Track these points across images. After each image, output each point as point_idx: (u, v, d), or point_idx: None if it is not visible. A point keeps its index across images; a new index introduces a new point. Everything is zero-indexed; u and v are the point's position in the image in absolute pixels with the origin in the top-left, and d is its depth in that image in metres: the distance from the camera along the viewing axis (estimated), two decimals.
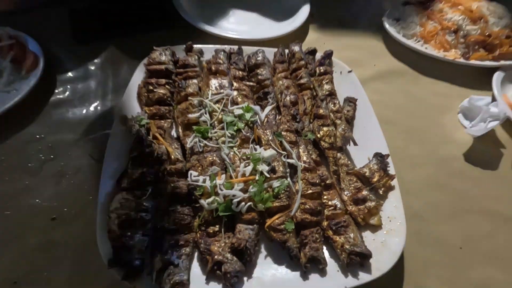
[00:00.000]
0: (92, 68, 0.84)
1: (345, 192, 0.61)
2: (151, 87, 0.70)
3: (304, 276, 0.52)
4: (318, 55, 0.84)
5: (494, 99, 0.82)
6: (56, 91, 0.78)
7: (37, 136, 0.69)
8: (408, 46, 0.92)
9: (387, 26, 0.96)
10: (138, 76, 0.74)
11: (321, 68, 0.80)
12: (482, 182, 0.71)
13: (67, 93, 0.78)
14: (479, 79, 0.89)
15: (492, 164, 0.74)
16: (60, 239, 0.56)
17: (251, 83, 0.76)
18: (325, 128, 0.68)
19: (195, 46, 0.80)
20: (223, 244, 0.52)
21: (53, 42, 0.84)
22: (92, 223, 0.55)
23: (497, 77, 0.86)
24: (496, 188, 0.70)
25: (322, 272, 0.53)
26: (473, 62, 0.89)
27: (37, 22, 0.88)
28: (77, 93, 0.78)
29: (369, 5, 1.00)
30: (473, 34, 0.90)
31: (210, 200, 0.54)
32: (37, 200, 0.60)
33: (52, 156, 0.67)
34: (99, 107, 0.76)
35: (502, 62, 0.89)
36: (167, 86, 0.71)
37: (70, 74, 0.82)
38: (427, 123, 0.81)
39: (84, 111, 0.75)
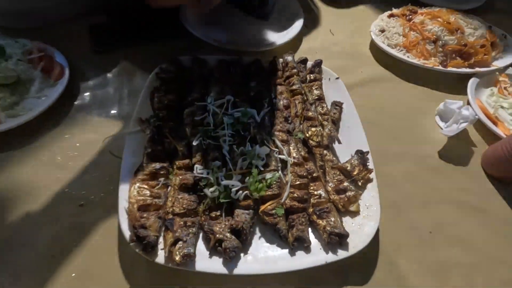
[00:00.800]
0: (110, 76, 0.93)
1: (329, 184, 0.70)
2: (162, 93, 0.79)
3: (292, 253, 0.61)
4: (309, 64, 0.93)
5: (468, 103, 0.91)
6: (79, 97, 0.87)
7: (65, 136, 0.78)
8: (392, 54, 1.01)
9: (373, 36, 1.05)
10: (151, 83, 0.83)
11: (311, 75, 0.89)
12: (453, 176, 0.79)
13: (89, 98, 0.87)
14: (456, 85, 0.97)
15: (463, 161, 0.82)
16: (88, 221, 0.65)
17: (249, 90, 0.85)
18: (313, 129, 0.77)
19: (200, 56, 0.89)
20: (223, 226, 0.61)
21: (76, 54, 0.93)
22: (113, 208, 0.65)
23: (472, 83, 0.94)
24: (465, 182, 0.78)
25: (307, 250, 0.62)
26: (450, 69, 0.97)
27: (61, 36, 0.96)
28: (97, 98, 0.88)
29: (357, 17, 1.09)
30: (450, 44, 0.99)
31: (212, 189, 0.63)
32: (66, 190, 0.69)
33: (76, 153, 0.76)
34: (116, 111, 0.85)
35: (477, 69, 0.97)
36: (175, 93, 0.81)
37: (91, 82, 0.91)
38: (407, 124, 0.89)
39: (104, 114, 0.84)
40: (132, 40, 1.00)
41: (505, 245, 0.67)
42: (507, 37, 1.08)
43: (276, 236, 0.63)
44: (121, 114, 0.84)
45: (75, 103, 0.86)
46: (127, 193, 0.63)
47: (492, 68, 0.98)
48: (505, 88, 0.94)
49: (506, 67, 1.00)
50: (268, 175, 0.66)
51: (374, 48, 1.06)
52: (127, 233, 0.58)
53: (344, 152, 0.77)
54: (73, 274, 0.58)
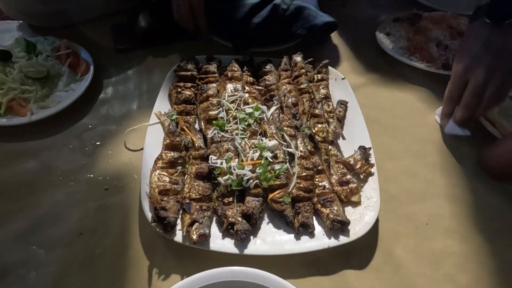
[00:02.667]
0: (130, 73, 1.00)
1: (333, 176, 0.75)
2: (179, 89, 0.85)
3: (297, 237, 0.66)
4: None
5: None
6: (103, 91, 0.94)
7: (90, 126, 0.85)
8: (397, 57, 1.05)
9: (379, 39, 1.10)
10: (169, 80, 0.89)
11: (318, 75, 0.93)
12: (451, 173, 0.82)
13: (111, 93, 0.94)
14: None
15: (461, 159, 0.85)
16: (112, 204, 0.70)
17: (260, 87, 0.90)
18: (319, 125, 0.82)
19: (214, 56, 0.94)
20: (235, 211, 0.66)
21: (99, 52, 1.00)
22: (135, 193, 0.72)
23: None
24: (462, 179, 0.82)
25: (311, 235, 0.66)
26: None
27: (86, 35, 1.04)
28: (119, 93, 0.94)
29: (364, 21, 1.13)
30: (452, 48, 1.02)
31: (226, 177, 0.69)
32: (92, 175, 0.75)
33: (98, 143, 0.82)
34: (136, 105, 0.92)
35: None
36: (192, 89, 0.86)
37: (113, 78, 0.97)
38: (409, 123, 0.93)
39: (125, 108, 0.91)
40: (151, 40, 1.06)
41: (496, 238, 0.71)
42: None
43: (282, 222, 0.67)
44: (141, 108, 0.90)
45: (99, 97, 0.92)
46: (148, 179, 0.69)
47: None
48: None
49: None
50: (277, 166, 0.70)
51: (379, 51, 1.10)
52: (148, 214, 0.63)
53: (348, 148, 0.81)
54: (98, 250, 0.64)
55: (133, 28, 1.06)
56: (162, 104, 0.83)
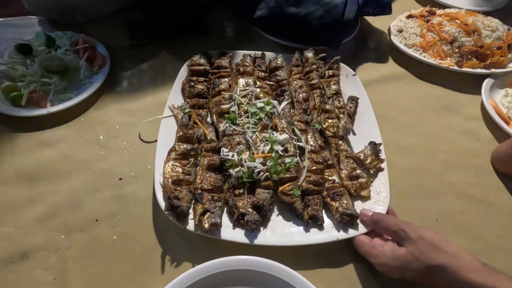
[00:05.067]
0: (145, 67, 1.01)
1: (343, 171, 0.75)
2: (192, 83, 0.86)
3: (306, 229, 0.67)
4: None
5: (482, 103, 0.93)
6: (118, 84, 0.95)
7: (105, 118, 0.86)
8: (409, 54, 1.04)
9: (391, 36, 1.09)
10: (182, 74, 0.90)
11: (329, 71, 0.93)
12: (462, 171, 0.82)
13: (127, 86, 0.96)
14: (470, 85, 0.99)
15: (473, 157, 0.85)
16: (126, 193, 0.72)
17: (271, 82, 0.91)
18: (329, 120, 0.82)
19: (226, 51, 0.95)
20: (246, 202, 0.67)
21: (115, 47, 1.02)
22: (149, 183, 0.73)
23: (486, 83, 0.96)
24: (473, 177, 0.81)
25: (320, 227, 0.67)
26: (465, 69, 0.99)
27: (103, 30, 1.06)
28: (134, 86, 0.96)
29: (376, 18, 1.12)
30: (467, 45, 1.01)
31: (237, 170, 0.70)
32: (107, 165, 0.77)
33: (116, 134, 0.83)
34: (150, 98, 0.93)
35: (493, 70, 0.99)
36: (204, 83, 0.87)
37: (128, 72, 0.99)
38: (420, 120, 0.92)
39: (140, 100, 0.93)
40: (165, 35, 1.08)
41: (507, 235, 0.71)
42: None
43: (292, 214, 0.68)
44: (155, 101, 0.92)
45: (115, 90, 0.94)
46: (162, 170, 0.70)
47: (508, 69, 1.00)
48: None
49: None
50: (287, 160, 0.71)
51: (392, 48, 1.09)
52: (162, 203, 0.65)
53: (358, 144, 0.82)
54: (115, 237, 0.66)
55: (148, 24, 1.08)
56: (175, 98, 0.85)
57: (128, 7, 1.12)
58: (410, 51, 1.04)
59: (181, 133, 0.76)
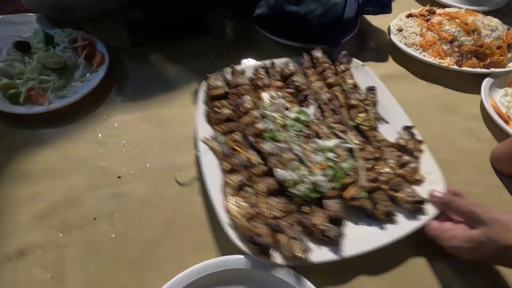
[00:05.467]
0: (144, 66, 1.00)
1: (390, 161, 0.74)
2: (216, 109, 0.81)
3: (382, 227, 0.65)
4: None
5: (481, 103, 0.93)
6: (117, 83, 0.93)
7: (104, 116, 0.85)
8: (408, 53, 1.04)
9: (391, 35, 1.09)
10: (202, 101, 0.84)
11: (341, 66, 0.94)
12: (462, 170, 0.78)
13: (125, 84, 0.94)
14: (470, 84, 0.99)
15: (473, 157, 0.82)
16: (125, 191, 0.71)
17: (291, 90, 0.88)
18: (360, 115, 0.81)
19: (236, 67, 0.92)
20: (320, 217, 0.64)
21: (114, 45, 0.99)
22: (147, 182, 0.73)
23: (486, 82, 0.96)
24: (473, 176, 0.77)
25: (395, 222, 0.66)
26: (465, 69, 1.00)
27: (102, 28, 1.04)
28: (133, 84, 0.94)
29: (375, 17, 1.12)
30: (466, 44, 1.01)
31: (300, 187, 0.66)
32: (106, 163, 0.76)
33: (115, 132, 0.82)
34: (150, 96, 0.93)
35: (492, 70, 1.00)
36: (229, 106, 0.82)
37: (128, 70, 0.96)
38: (419, 119, 0.91)
39: (139, 99, 0.91)
40: (165, 35, 1.07)
41: None
42: None
43: (358, 217, 0.67)
44: (154, 99, 0.91)
45: (114, 88, 0.94)
46: (224, 209, 0.65)
47: (507, 69, 1.01)
48: None
49: None
50: (344, 165, 0.70)
51: (391, 47, 1.09)
52: (242, 246, 0.60)
53: (387, 131, 0.82)
54: (113, 235, 0.66)
55: (148, 23, 1.08)
56: (204, 129, 0.79)
57: (128, 6, 1.12)
58: (410, 50, 1.04)
59: (228, 165, 0.70)
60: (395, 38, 1.06)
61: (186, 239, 0.66)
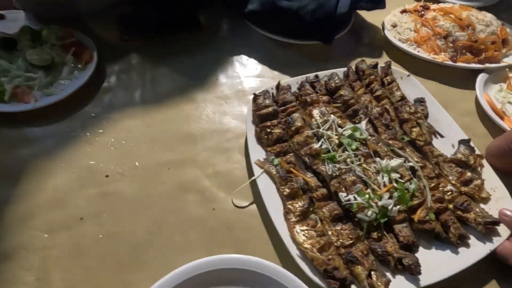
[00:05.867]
0: (134, 63, 1.01)
1: (450, 177, 0.73)
2: (268, 130, 0.78)
3: (455, 252, 0.63)
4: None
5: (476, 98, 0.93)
6: (106, 80, 0.95)
7: (93, 114, 0.87)
8: (403, 49, 1.05)
9: (385, 31, 1.08)
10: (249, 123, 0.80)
11: (387, 78, 0.94)
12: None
13: (115, 82, 0.95)
14: (465, 80, 1.02)
15: None
16: (113, 190, 0.73)
17: (338, 104, 0.87)
18: (414, 129, 0.81)
19: (281, 83, 0.88)
20: (392, 244, 0.63)
21: (104, 42, 1.02)
22: (136, 180, 0.74)
23: (481, 78, 0.98)
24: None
25: (467, 245, 0.64)
26: (459, 64, 1.01)
27: (92, 25, 1.06)
28: (122, 82, 0.96)
29: (370, 13, 1.11)
30: (461, 40, 1.02)
31: (369, 212, 0.64)
32: (93, 162, 0.77)
33: (104, 130, 0.83)
34: (139, 94, 0.92)
35: (487, 65, 1.01)
36: (279, 125, 0.80)
37: (116, 67, 0.99)
38: None
39: (128, 96, 0.92)
40: (156, 31, 1.07)
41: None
42: None
43: (428, 241, 0.65)
44: (144, 97, 0.90)
45: (102, 86, 0.93)
46: (290, 240, 0.63)
47: (502, 64, 1.01)
48: None
49: None
50: (411, 185, 0.69)
51: (386, 42, 1.08)
52: (317, 280, 0.58)
53: (441, 144, 0.80)
54: (100, 236, 0.65)
55: (139, 20, 1.07)
56: (256, 151, 0.76)
57: (118, 3, 1.10)
58: (404, 46, 1.05)
59: (287, 190, 0.68)
60: (389, 34, 1.06)
61: (176, 239, 0.68)
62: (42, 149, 0.78)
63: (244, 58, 1.04)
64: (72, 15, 1.06)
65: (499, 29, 1.07)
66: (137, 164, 0.77)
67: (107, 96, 0.91)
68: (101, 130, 0.83)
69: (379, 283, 0.58)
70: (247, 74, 1.00)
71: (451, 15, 1.08)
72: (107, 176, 0.75)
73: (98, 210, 0.69)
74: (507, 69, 1.01)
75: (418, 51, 1.04)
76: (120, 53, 1.02)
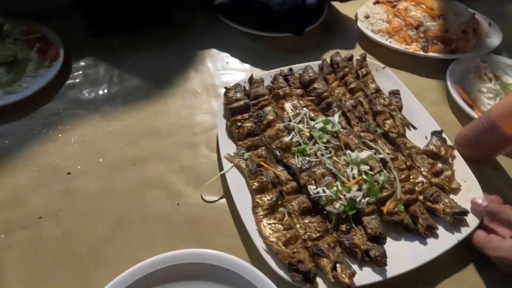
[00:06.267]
0: (101, 58, 0.99)
1: (422, 169, 0.73)
2: (239, 124, 0.78)
3: (424, 242, 0.64)
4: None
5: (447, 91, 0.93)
6: (71, 76, 0.94)
7: (56, 111, 0.85)
8: (375, 40, 1.05)
9: (358, 22, 1.08)
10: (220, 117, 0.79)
11: (362, 70, 0.94)
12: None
13: (81, 77, 0.94)
14: (437, 69, 1.03)
15: None
16: (75, 188, 0.73)
17: (312, 97, 0.86)
18: (388, 121, 0.81)
19: (254, 76, 0.88)
20: (360, 236, 0.63)
21: (71, 37, 1.00)
22: (100, 177, 0.74)
23: (451, 68, 0.97)
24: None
25: (436, 235, 0.65)
26: (431, 54, 1.01)
27: (59, 20, 1.03)
28: (88, 77, 0.95)
29: (343, 5, 1.12)
30: (432, 30, 1.01)
31: (337, 205, 0.65)
32: (55, 160, 0.76)
33: (68, 127, 0.82)
34: (106, 89, 0.90)
35: (458, 55, 1.00)
36: (251, 119, 0.79)
37: (82, 63, 0.98)
38: None
39: (94, 92, 0.91)
40: (125, 26, 1.04)
41: None
42: (491, 24, 1.09)
43: (398, 232, 0.66)
44: (110, 92, 0.89)
45: (68, 82, 0.91)
46: (257, 234, 0.63)
47: (473, 53, 1.00)
48: (485, 73, 0.97)
49: (487, 53, 1.01)
50: (380, 177, 0.70)
51: (359, 34, 1.08)
52: (282, 274, 0.58)
53: (414, 136, 0.80)
54: (59, 234, 0.66)
55: (106, 14, 1.04)
56: (227, 146, 0.75)
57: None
58: (376, 37, 1.05)
59: (256, 184, 0.68)
60: (362, 25, 1.06)
61: (137, 235, 0.68)
62: (2, 148, 0.77)
63: (215, 52, 1.02)
64: (36, 10, 1.04)
65: (470, 18, 1.08)
66: (101, 161, 0.77)
67: (72, 92, 0.90)
68: (64, 127, 0.82)
69: (343, 275, 0.58)
70: (218, 68, 0.98)
71: (422, 5, 1.08)
72: (69, 173, 0.75)
73: (58, 208, 0.69)
74: (477, 58, 1.01)
75: (390, 42, 1.04)
76: (87, 50, 1.00)
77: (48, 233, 0.65)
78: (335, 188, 0.67)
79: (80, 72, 0.95)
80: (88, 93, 0.90)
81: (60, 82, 0.91)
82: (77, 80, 0.93)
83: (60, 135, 0.80)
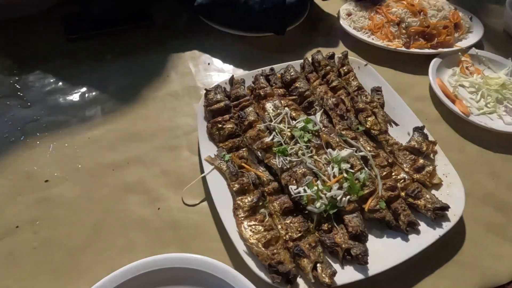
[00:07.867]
0: (81, 62, 0.99)
1: (404, 165, 0.74)
2: (219, 125, 0.77)
3: (406, 239, 0.65)
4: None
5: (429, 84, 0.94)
6: (51, 81, 0.92)
7: (34, 117, 0.84)
8: (357, 37, 1.07)
9: (340, 20, 1.08)
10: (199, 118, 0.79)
11: (344, 68, 0.94)
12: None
13: (60, 82, 0.92)
14: (419, 65, 1.04)
15: None
16: (52, 195, 0.72)
17: (294, 97, 0.87)
18: (369, 119, 0.82)
19: (235, 77, 0.88)
20: (341, 235, 0.63)
21: (50, 42, 0.99)
22: (78, 183, 0.73)
23: (434, 63, 1.00)
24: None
25: (417, 231, 0.66)
26: (413, 50, 1.03)
27: (36, 27, 1.02)
28: (68, 83, 0.93)
29: (325, 3, 1.12)
30: (413, 25, 1.03)
31: (318, 204, 0.64)
32: (34, 167, 0.75)
33: (46, 134, 0.82)
34: (86, 94, 0.90)
35: (440, 50, 1.02)
36: (231, 120, 0.79)
37: (63, 67, 0.97)
38: None
39: (73, 96, 0.90)
40: (104, 28, 1.04)
41: None
42: (472, 19, 1.10)
43: (380, 229, 0.66)
44: (90, 97, 0.88)
45: (46, 88, 0.90)
46: (238, 236, 0.63)
47: (454, 48, 1.04)
48: (467, 67, 1.01)
49: (469, 47, 1.03)
50: (360, 175, 0.70)
51: (342, 32, 1.09)
52: (263, 275, 0.58)
53: (396, 132, 0.81)
54: (37, 243, 0.65)
55: (84, 16, 1.03)
56: (206, 147, 0.75)
57: (64, 3, 1.06)
58: (358, 34, 1.07)
59: (236, 185, 0.68)
60: (344, 23, 1.08)
61: (117, 241, 0.67)
62: None
63: (197, 53, 1.02)
64: (14, 17, 1.03)
65: (450, 13, 1.10)
66: (80, 167, 0.76)
67: (51, 98, 0.89)
68: (42, 134, 0.81)
69: (324, 275, 0.58)
70: (199, 70, 0.98)
71: (403, 2, 1.10)
72: (46, 181, 0.74)
73: (35, 217, 0.68)
74: (459, 53, 1.03)
75: (373, 39, 1.06)
76: (66, 54, 0.99)
77: (25, 242, 0.64)
78: (316, 188, 0.67)
79: (59, 77, 0.93)
80: (67, 98, 0.88)
81: (39, 89, 0.88)
82: (57, 86, 0.90)
83: (38, 142, 0.79)
